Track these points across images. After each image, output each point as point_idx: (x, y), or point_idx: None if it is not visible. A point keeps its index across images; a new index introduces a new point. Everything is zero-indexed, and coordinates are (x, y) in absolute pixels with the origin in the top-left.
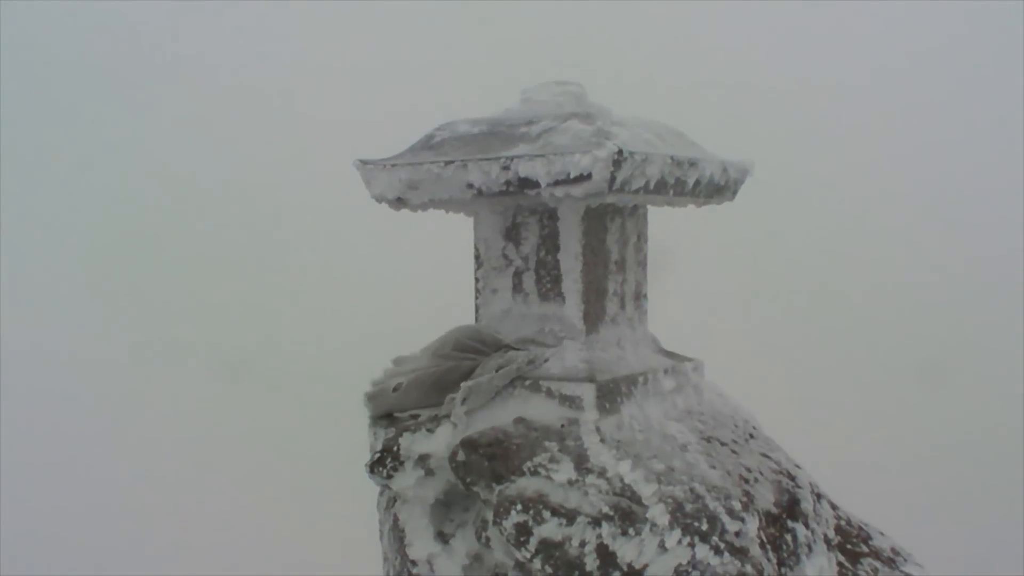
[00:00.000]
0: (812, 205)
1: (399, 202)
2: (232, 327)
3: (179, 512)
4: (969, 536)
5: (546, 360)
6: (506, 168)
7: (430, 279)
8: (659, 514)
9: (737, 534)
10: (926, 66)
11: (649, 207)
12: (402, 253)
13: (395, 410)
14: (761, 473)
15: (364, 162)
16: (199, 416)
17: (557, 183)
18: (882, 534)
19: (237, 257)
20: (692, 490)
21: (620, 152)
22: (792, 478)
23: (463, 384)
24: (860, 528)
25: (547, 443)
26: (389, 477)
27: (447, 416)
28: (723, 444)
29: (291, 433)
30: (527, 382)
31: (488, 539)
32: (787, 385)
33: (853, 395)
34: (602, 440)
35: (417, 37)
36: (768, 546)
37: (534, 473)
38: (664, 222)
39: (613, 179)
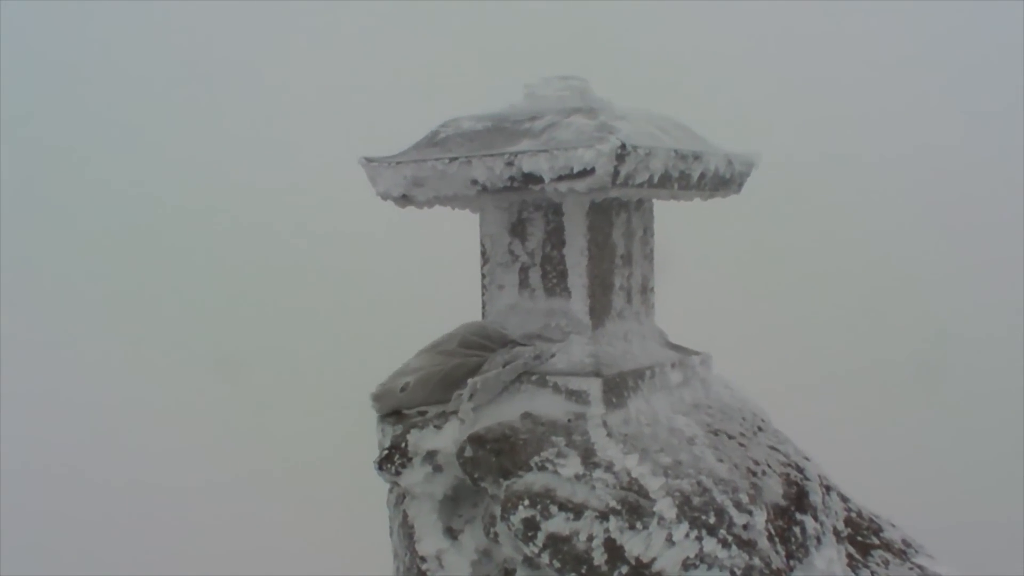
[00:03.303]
0: (815, 201)
1: (404, 199)
2: (237, 325)
3: (185, 511)
4: (978, 529)
5: (552, 355)
6: (510, 164)
7: (437, 275)
8: (666, 508)
9: (745, 527)
10: (928, 64)
11: (655, 201)
12: (408, 250)
13: (402, 407)
14: (769, 466)
15: (369, 160)
16: (206, 415)
17: (561, 178)
18: (893, 526)
19: (242, 256)
20: (699, 483)
21: (623, 146)
22: (800, 470)
23: (470, 380)
24: (871, 520)
25: (554, 438)
26: (398, 474)
27: (454, 412)
28: (731, 437)
29: (300, 431)
30: (534, 377)
31: (496, 534)
32: (795, 380)
33: (860, 389)
34: (609, 434)
35: (422, 34)
36: (776, 539)
37: (541, 468)
38: (670, 219)
39: (616, 173)
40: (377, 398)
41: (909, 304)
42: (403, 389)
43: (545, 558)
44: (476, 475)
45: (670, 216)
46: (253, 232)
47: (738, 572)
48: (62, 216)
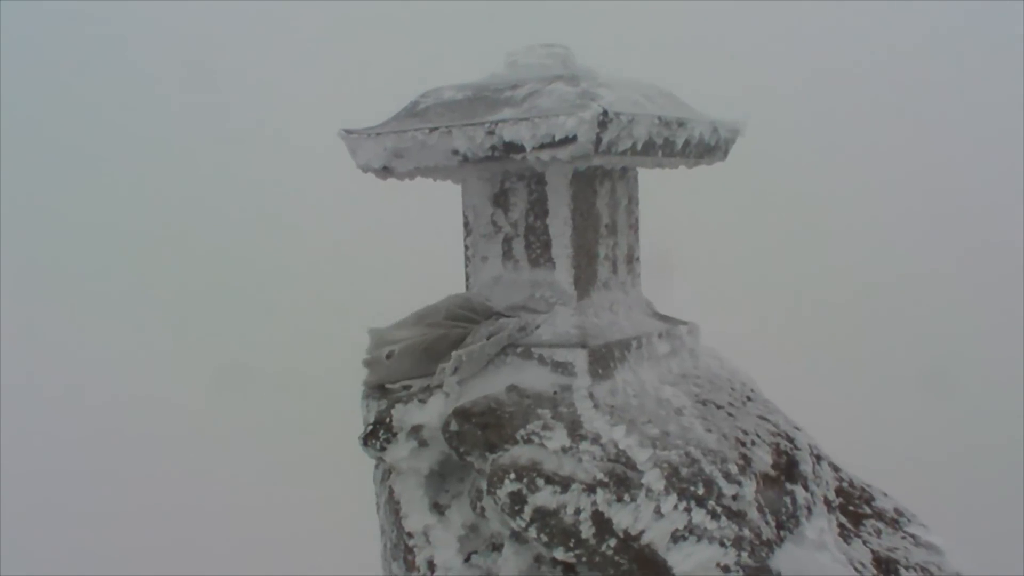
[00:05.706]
0: (815, 203)
1: (385, 171)
2: (223, 304)
3: (180, 499)
4: (973, 503)
5: (537, 327)
6: (491, 133)
7: (420, 248)
8: (654, 479)
9: (734, 497)
10: (930, 65)
11: (641, 169)
12: (391, 222)
13: (388, 380)
14: (759, 435)
15: (349, 132)
16: (198, 401)
17: (542, 146)
18: (885, 495)
19: (227, 240)
20: (688, 454)
21: (605, 113)
22: (791, 440)
23: (454, 353)
24: (863, 490)
25: (540, 410)
26: (383, 449)
27: (439, 386)
28: (719, 407)
29: (287, 415)
30: (519, 349)
31: (483, 509)
32: (792, 381)
33: (859, 393)
34: (595, 406)
35: (403, 6)
36: (766, 509)
37: (527, 441)
38: (667, 222)
39: (599, 140)
40: (368, 364)
41: (909, 307)
42: (388, 356)
43: (532, 532)
44: (462, 449)
45: (668, 221)
46: (241, 211)
47: (727, 543)
48: (64, 218)
